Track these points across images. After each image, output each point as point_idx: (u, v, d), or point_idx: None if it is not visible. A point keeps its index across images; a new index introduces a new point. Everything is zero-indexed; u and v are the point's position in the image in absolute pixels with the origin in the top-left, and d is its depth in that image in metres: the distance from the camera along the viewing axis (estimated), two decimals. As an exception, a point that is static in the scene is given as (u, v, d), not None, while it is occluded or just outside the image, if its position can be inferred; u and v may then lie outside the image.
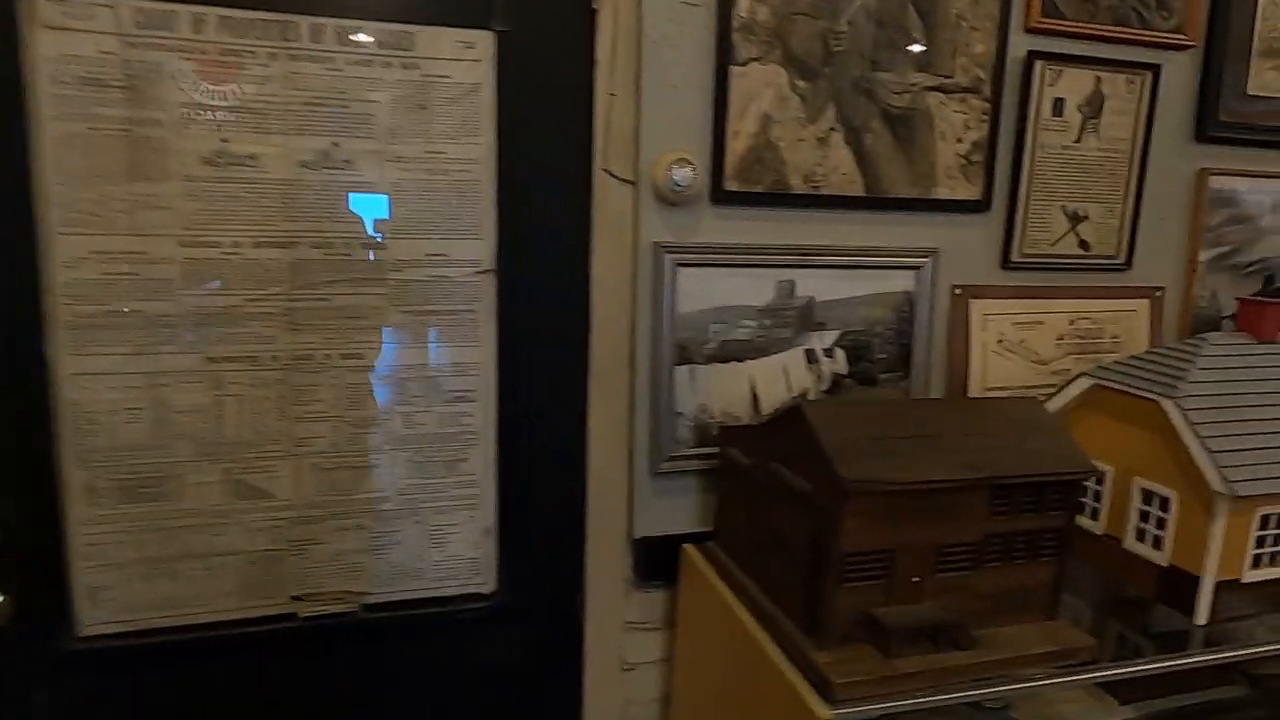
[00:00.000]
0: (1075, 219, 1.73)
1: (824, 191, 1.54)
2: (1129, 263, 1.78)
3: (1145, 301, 1.82)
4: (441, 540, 1.46)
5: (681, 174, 1.41)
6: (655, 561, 1.55)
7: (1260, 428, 1.33)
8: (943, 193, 1.62)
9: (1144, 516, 1.41)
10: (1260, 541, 1.33)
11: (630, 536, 1.56)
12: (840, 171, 1.54)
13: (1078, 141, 1.69)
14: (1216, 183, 1.82)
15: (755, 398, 1.56)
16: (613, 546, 1.56)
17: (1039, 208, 1.69)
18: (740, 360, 1.54)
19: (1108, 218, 1.75)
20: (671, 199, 1.44)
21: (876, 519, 1.10)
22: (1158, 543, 1.39)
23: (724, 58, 1.44)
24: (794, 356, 1.57)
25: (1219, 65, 1.75)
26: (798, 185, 1.52)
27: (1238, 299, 1.48)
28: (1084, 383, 1.50)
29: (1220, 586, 1.31)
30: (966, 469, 1.13)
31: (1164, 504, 1.38)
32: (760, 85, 1.47)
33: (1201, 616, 1.31)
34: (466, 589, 1.49)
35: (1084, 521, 1.52)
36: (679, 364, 1.50)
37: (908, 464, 1.11)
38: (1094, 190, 1.72)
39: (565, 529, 1.53)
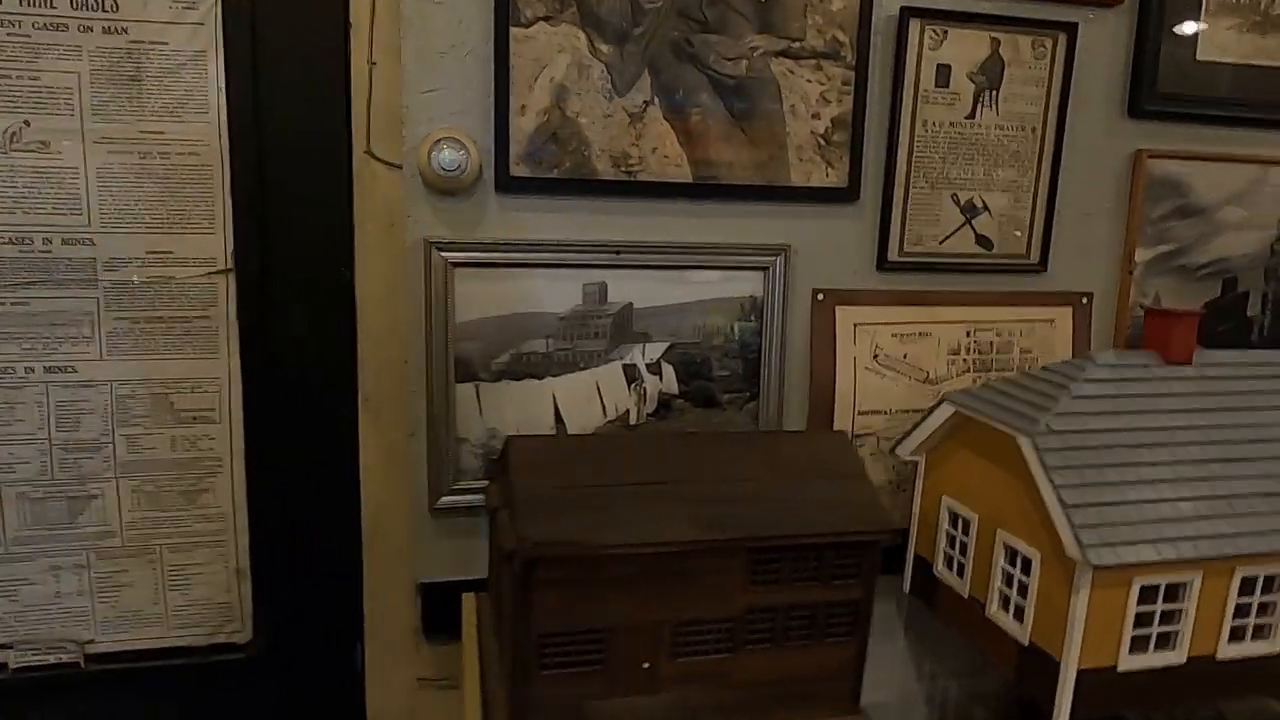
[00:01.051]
0: (971, 211, 1.45)
1: (641, 178, 1.29)
2: (1044, 264, 1.49)
3: (1067, 310, 1.53)
4: (183, 582, 1.27)
5: (447, 157, 1.19)
6: (439, 611, 1.33)
7: (1144, 474, 1.05)
8: (796, 179, 1.36)
9: (1008, 579, 1.14)
10: (1141, 620, 1.05)
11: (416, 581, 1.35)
12: (661, 154, 1.30)
13: (971, 118, 1.41)
14: (1158, 167, 1.51)
15: (560, 421, 1.33)
16: (398, 593, 1.35)
17: (923, 197, 1.41)
18: (539, 377, 1.31)
19: (1014, 209, 1.46)
20: (445, 187, 1.22)
21: (582, 589, 0.86)
22: (1020, 614, 1.11)
23: (505, 17, 1.21)
24: (610, 373, 1.34)
25: (1157, 25, 1.44)
26: (606, 170, 1.28)
27: (1144, 310, 1.20)
28: (946, 410, 1.23)
29: (1087, 676, 1.04)
30: (710, 527, 0.88)
31: (1026, 566, 1.10)
32: (551, 50, 1.23)
33: (1061, 715, 1.04)
34: (216, 638, 1.29)
35: (951, 579, 1.25)
36: (462, 381, 1.28)
37: (630, 519, 0.87)
38: (995, 177, 1.44)
39: (337, 572, 1.32)
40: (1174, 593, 1.05)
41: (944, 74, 1.38)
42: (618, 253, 1.29)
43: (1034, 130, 1.43)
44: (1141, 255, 1.53)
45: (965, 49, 1.38)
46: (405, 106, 1.20)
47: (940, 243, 1.44)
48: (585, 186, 1.27)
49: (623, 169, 1.28)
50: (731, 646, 0.92)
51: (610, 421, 1.34)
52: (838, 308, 1.41)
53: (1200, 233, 1.56)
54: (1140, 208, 1.51)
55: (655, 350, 1.34)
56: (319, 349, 1.26)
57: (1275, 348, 1.55)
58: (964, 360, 1.47)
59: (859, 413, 1.44)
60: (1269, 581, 1.08)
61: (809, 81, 1.33)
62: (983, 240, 1.46)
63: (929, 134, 1.39)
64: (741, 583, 0.90)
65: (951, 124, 1.39)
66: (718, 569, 0.89)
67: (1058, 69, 1.42)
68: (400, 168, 1.22)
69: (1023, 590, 1.10)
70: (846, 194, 1.37)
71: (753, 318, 1.37)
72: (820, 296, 1.40)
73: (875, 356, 1.43)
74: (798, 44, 1.31)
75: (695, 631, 0.90)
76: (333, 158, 1.22)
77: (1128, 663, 1.04)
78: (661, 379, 1.35)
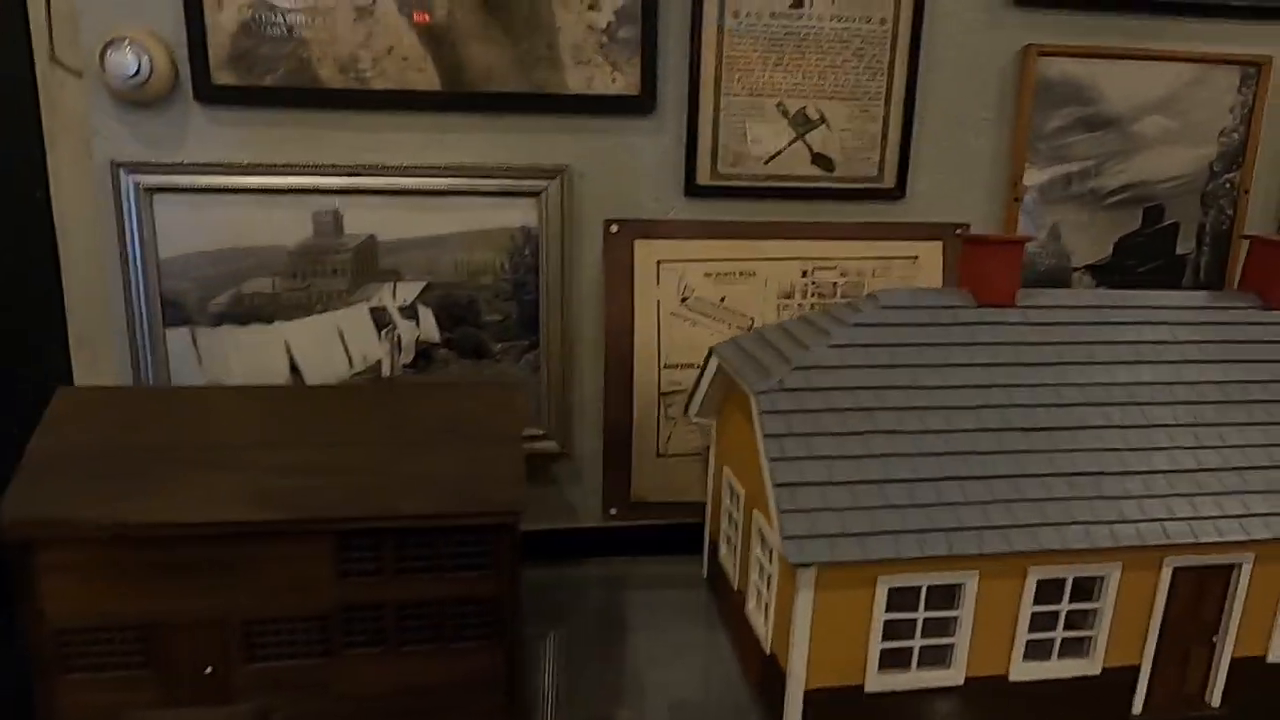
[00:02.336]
0: (804, 123, 1.19)
1: (376, 86, 1.09)
2: (901, 189, 1.23)
3: (935, 245, 1.27)
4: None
5: (122, 60, 1.01)
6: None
7: (903, 446, 0.81)
8: (573, 85, 1.13)
9: (760, 571, 0.93)
10: (896, 631, 0.83)
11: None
12: (400, 56, 1.09)
13: (799, 6, 1.15)
14: (1052, 67, 1.22)
15: (297, 371, 1.16)
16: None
17: (740, 107, 1.17)
18: (268, 321, 1.14)
19: (861, 122, 1.20)
20: (132, 98, 1.05)
21: (112, 577, 0.70)
22: (767, 614, 0.90)
23: (190, -109, 1.02)
24: (354, 316, 1.15)
25: (1048, -116, 1.16)
26: (331, 77, 1.08)
27: (963, 239, 0.94)
28: (713, 364, 1.01)
29: (821, 698, 0.83)
30: (270, 505, 0.70)
31: (771, 554, 0.89)
32: (249, -69, 1.04)
33: (782, 745, 0.83)
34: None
35: (728, 568, 1.05)
36: (173, 325, 1.12)
37: (173, 492, 0.70)
38: (833, 82, 1.18)
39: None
40: (945, 597, 0.83)
41: (759, -48, 1.13)
42: (352, 175, 1.11)
43: (883, 21, 1.16)
44: (1033, 177, 1.26)
45: (785, -80, 1.12)
46: (79, 6, 1.04)
47: (766, 163, 1.19)
48: (306, 96, 1.07)
49: (352, 75, 1.08)
50: (326, 650, 0.74)
51: (359, 374, 1.17)
52: (636, 242, 1.19)
53: (1112, 150, 1.27)
54: (1029, 117, 1.23)
55: (409, 291, 1.15)
56: (17, 285, 1.12)
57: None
58: (799, 305, 1.24)
59: (665, 366, 1.22)
60: (1081, 585, 0.85)
61: (583, -36, 1.10)
62: (821, 160, 1.21)
63: (744, 28, 1.14)
64: (329, 574, 0.73)
65: (773, 15, 1.14)
66: (296, 556, 0.71)
67: (911, -57, 1.15)
68: (81, 76, 1.06)
69: (769, 583, 0.89)
70: (639, 103, 1.14)
71: (527, 253, 1.17)
72: (614, 228, 1.18)
73: (684, 300, 1.21)
74: (565, -83, 1.09)
75: (274, 631, 0.73)
76: (12, 65, 1.06)
77: (879, 683, 0.83)
78: (419, 325, 1.17)
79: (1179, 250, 1.32)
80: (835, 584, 0.79)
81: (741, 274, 1.21)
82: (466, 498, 0.72)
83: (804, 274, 1.23)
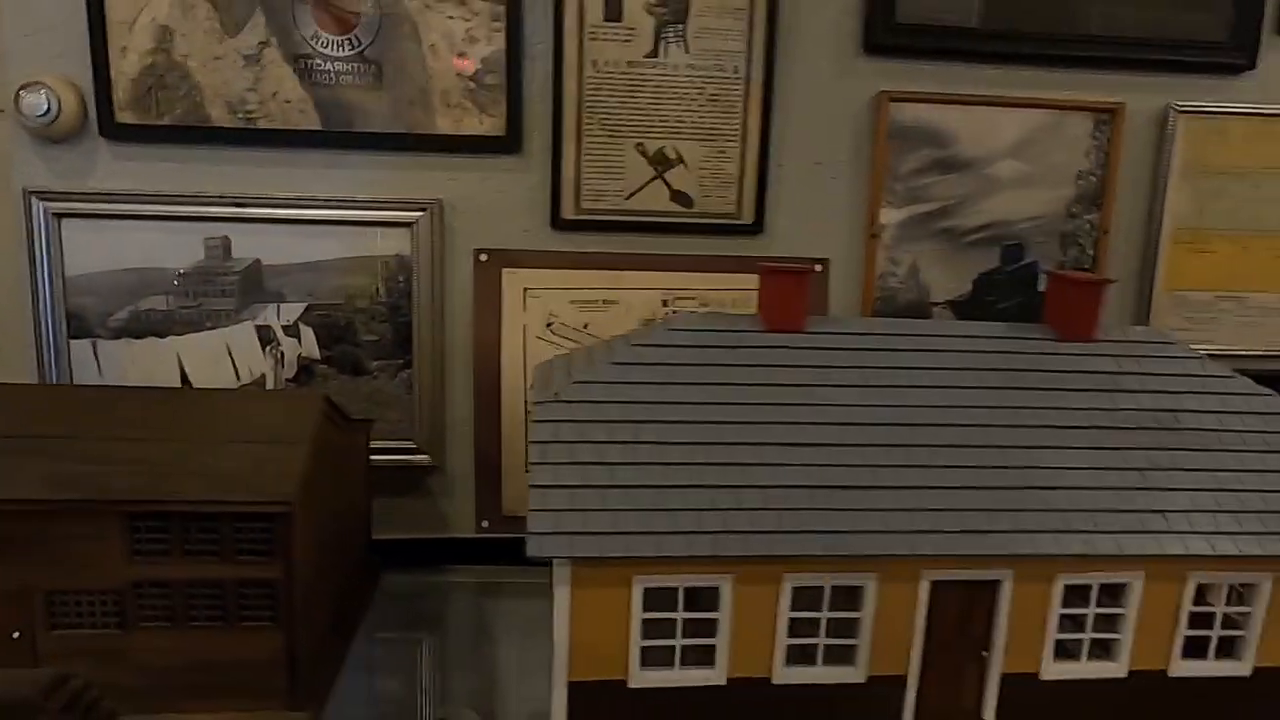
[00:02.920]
0: (662, 163, 1.28)
1: (262, 125, 1.20)
2: (759, 224, 1.30)
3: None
4: None
5: (32, 102, 1.14)
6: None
7: (669, 455, 0.87)
8: (444, 127, 1.23)
9: (560, 574, 0.99)
10: (653, 628, 0.88)
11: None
12: (283, 99, 1.20)
13: (653, 55, 1.24)
14: (905, 112, 1.29)
15: (188, 383, 1.26)
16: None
17: (600, 147, 1.26)
18: (161, 336, 1.24)
19: (718, 162, 1.28)
20: (43, 134, 1.18)
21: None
22: (560, 614, 0.96)
23: (99, -44, 1.16)
24: (241, 334, 1.26)
25: (892, -56, 1.24)
26: (221, 117, 1.20)
27: (759, 268, 1.00)
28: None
29: (587, 690, 0.88)
30: (63, 486, 0.79)
31: (561, 559, 0.95)
32: (149, -11, 1.17)
33: (557, 734, 0.88)
34: None
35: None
36: (76, 337, 1.23)
37: (-13, 474, 0.80)
38: (690, 124, 1.26)
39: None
40: (707, 599, 0.88)
41: (614, 7, 1.22)
42: (239, 205, 1.22)
43: (736, 70, 1.25)
44: (891, 216, 1.32)
45: (639, -23, 1.22)
46: (4, 50, 1.17)
47: (627, 198, 1.28)
48: (199, 134, 1.20)
49: (240, 115, 1.20)
50: (121, 622, 0.82)
51: (245, 386, 1.27)
52: (505, 270, 1.28)
53: (968, 191, 1.32)
54: (883, 160, 1.30)
55: (292, 311, 1.25)
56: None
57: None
58: (661, 332, 1.31)
59: (531, 387, 1.31)
60: (842, 594, 0.89)
61: (451, 18, 1.20)
62: (680, 196, 1.29)
63: (602, 76, 1.23)
64: (122, 552, 0.81)
65: (630, 64, 1.23)
66: (89, 535, 0.80)
67: (760, -1, 1.24)
68: (3, 113, 1.19)
69: (564, 586, 0.95)
70: (506, 143, 1.24)
71: (401, 279, 1.26)
72: (483, 257, 1.27)
73: (550, 325, 1.29)
74: (434, -24, 1.20)
75: (74, 602, 0.82)
76: (-53, 105, 1.21)
77: (642, 679, 0.88)
78: (301, 342, 1.27)
79: (1040, 287, 1.36)
80: (592, 582, 0.85)
81: (605, 302, 1.29)
82: (244, 487, 0.81)
83: (664, 303, 1.30)
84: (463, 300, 1.28)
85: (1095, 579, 0.92)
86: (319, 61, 1.20)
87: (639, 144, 1.27)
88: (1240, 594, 0.95)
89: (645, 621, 0.86)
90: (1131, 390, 0.99)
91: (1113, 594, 0.93)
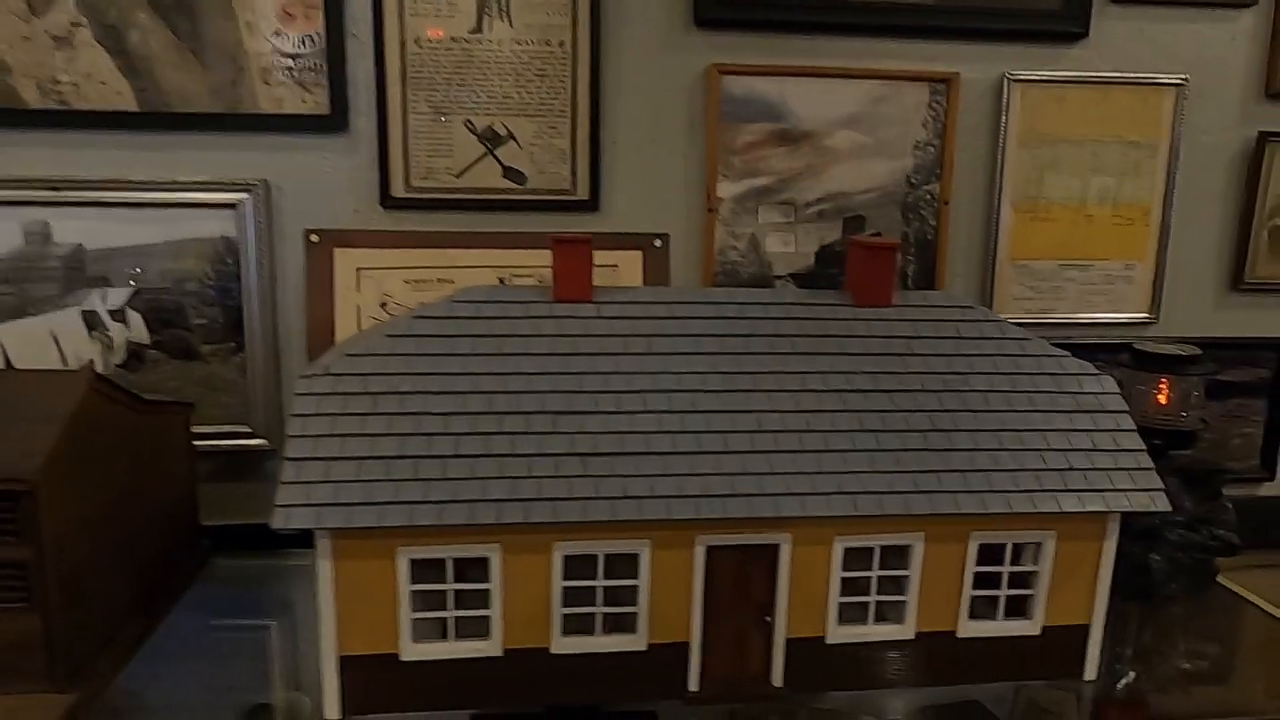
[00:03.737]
0: (492, 139, 1.27)
1: (76, 106, 1.18)
2: (595, 201, 1.30)
3: (635, 255, 1.33)
4: None
5: None
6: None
7: (432, 425, 0.86)
8: (266, 106, 1.22)
9: (353, 551, 0.99)
10: (429, 600, 0.87)
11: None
12: (97, 80, 1.18)
13: (477, 32, 1.24)
14: (737, 85, 1.29)
15: (13, 369, 1.25)
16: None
17: (426, 125, 1.25)
18: (-18, 323, 1.24)
19: (549, 138, 1.28)
20: None
21: None
22: (348, 590, 0.96)
23: (-104, -64, 1.14)
24: (66, 320, 1.23)
25: (717, -84, 1.23)
26: (33, 98, 1.18)
27: (552, 239, 1.00)
28: (341, 358, 1.08)
29: (359, 665, 0.87)
30: None
31: (345, 534, 0.95)
32: (-51, -31, 1.15)
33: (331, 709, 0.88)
34: None
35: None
36: (-104, 326, 1.22)
37: None
38: (519, 100, 1.25)
39: None
40: (478, 571, 0.87)
41: (435, -19, 1.22)
42: (55, 189, 1.20)
43: (562, 44, 1.24)
44: (728, 190, 1.31)
45: (457, -48, 1.21)
46: None
47: (458, 176, 1.27)
48: (10, 116, 1.18)
49: (53, 97, 1.18)
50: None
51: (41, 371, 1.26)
52: (336, 250, 1.27)
53: (806, 163, 1.32)
54: (717, 133, 1.29)
55: (118, 296, 1.23)
56: None
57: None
58: (499, 310, 1.30)
59: (368, 368, 1.30)
60: (618, 562, 0.89)
61: (267, -5, 1.19)
62: (513, 173, 1.28)
63: (425, 52, 1.22)
64: None
65: (454, 39, 1.23)
66: None
67: (584, -29, 1.23)
68: None
69: (352, 563, 0.95)
70: (331, 122, 1.22)
71: (229, 261, 1.25)
72: (314, 238, 1.26)
73: (383, 305, 1.28)
74: (247, -47, 1.19)
75: None
76: None
77: (414, 652, 0.88)
78: (129, 327, 1.25)
79: (884, 259, 1.37)
80: (355, 554, 0.84)
81: (439, 281, 1.28)
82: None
83: (500, 281, 1.29)
84: (295, 282, 1.27)
85: (875, 541, 0.92)
86: (133, 42, 1.18)
87: (467, 121, 1.26)
88: (1035, 554, 0.96)
89: (416, 593, 0.86)
90: (924, 354, 0.99)
91: (897, 556, 0.94)
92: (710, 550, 0.89)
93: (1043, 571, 0.95)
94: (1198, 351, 1.21)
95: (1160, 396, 1.23)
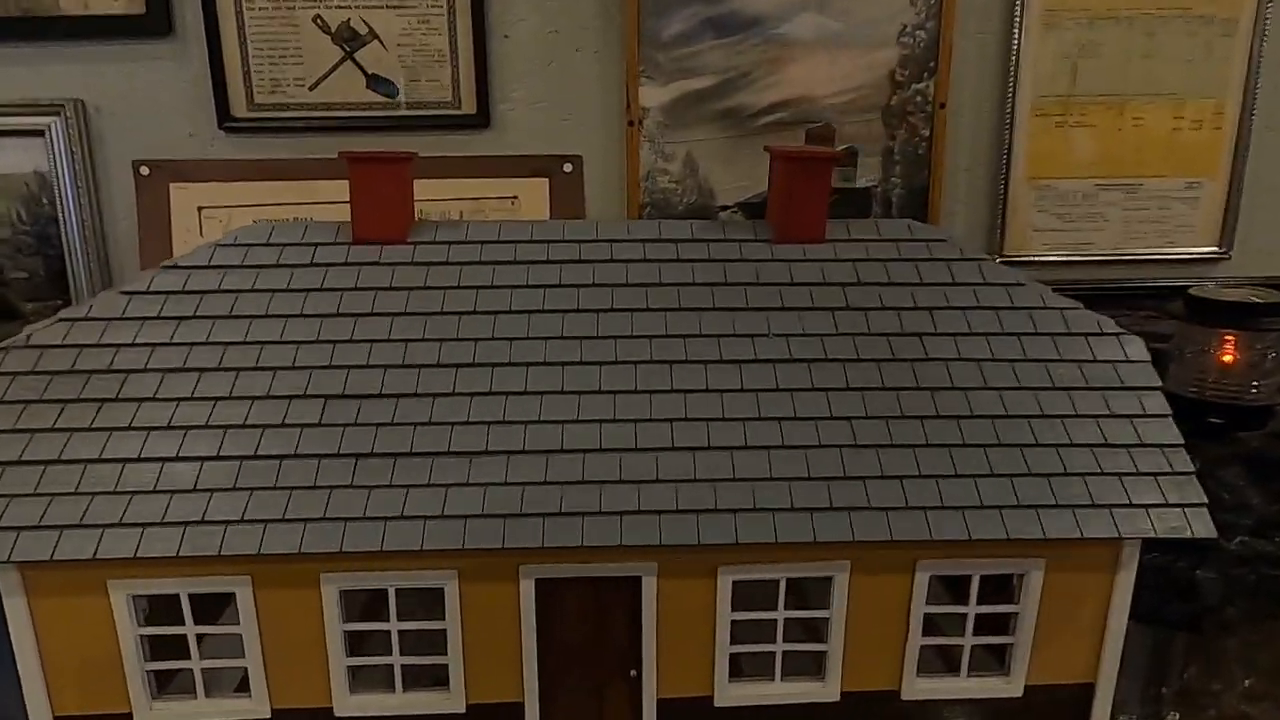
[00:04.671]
0: (350, 39, 1.01)
1: None
2: (485, 116, 1.03)
3: (540, 183, 1.06)
4: None
5: None
6: None
7: (159, 416, 0.64)
8: (69, 7, 0.99)
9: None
10: (167, 648, 0.65)
11: None
12: None
13: (320, -102, 0.97)
14: (661, -42, 1.00)
15: None
16: None
17: (269, 24, 0.99)
18: None
19: (423, 36, 1.01)
20: None
21: None
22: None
23: None
24: None
25: None
26: None
27: (345, 157, 0.74)
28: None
29: (81, 725, 0.67)
30: None
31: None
32: None
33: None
34: None
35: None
36: None
37: None
38: (381, -13, 1.00)
39: None
40: (215, 609, 0.66)
41: None
42: None
43: (430, -88, 0.97)
44: (655, 97, 1.03)
45: None
46: None
47: (312, 89, 1.02)
48: None
49: None
50: None
51: (-118, 337, 1.08)
52: (172, 185, 1.04)
53: (756, 59, 1.02)
54: (637, 23, 1.01)
55: (-76, 245, 1.05)
56: None
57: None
58: (373, 256, 1.06)
59: (220, 328, 1.08)
60: (413, 597, 0.65)
61: None
62: (379, 82, 1.02)
63: (273, -65, 0.97)
64: None
65: (292, -90, 0.97)
66: None
67: None
68: None
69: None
70: (149, 24, 0.99)
71: (45, 202, 1.04)
72: (144, 170, 1.03)
73: (232, 251, 1.06)
74: None
75: None
76: None
77: (151, 714, 0.66)
78: (-62, 283, 1.07)
79: (862, 182, 1.07)
80: (57, 589, 0.63)
81: (296, 220, 1.05)
82: None
83: (373, 219, 1.06)
84: (127, 224, 1.05)
85: (778, 572, 0.67)
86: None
87: (316, 16, 1.00)
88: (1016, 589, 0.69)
89: (149, 638, 0.65)
90: (863, 309, 0.72)
91: (816, 591, 0.68)
92: (542, 584, 0.66)
93: (1025, 613, 0.68)
94: (1276, 296, 0.90)
95: (1224, 358, 0.92)
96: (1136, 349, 0.70)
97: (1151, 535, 0.63)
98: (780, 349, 0.68)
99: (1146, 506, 0.63)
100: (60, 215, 1.03)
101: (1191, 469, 0.65)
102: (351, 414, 0.64)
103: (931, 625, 0.68)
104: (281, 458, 0.62)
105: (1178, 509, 0.63)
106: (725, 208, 1.07)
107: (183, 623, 0.64)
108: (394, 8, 0.99)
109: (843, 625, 0.67)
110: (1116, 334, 0.71)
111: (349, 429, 0.64)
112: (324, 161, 1.03)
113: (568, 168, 1.06)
